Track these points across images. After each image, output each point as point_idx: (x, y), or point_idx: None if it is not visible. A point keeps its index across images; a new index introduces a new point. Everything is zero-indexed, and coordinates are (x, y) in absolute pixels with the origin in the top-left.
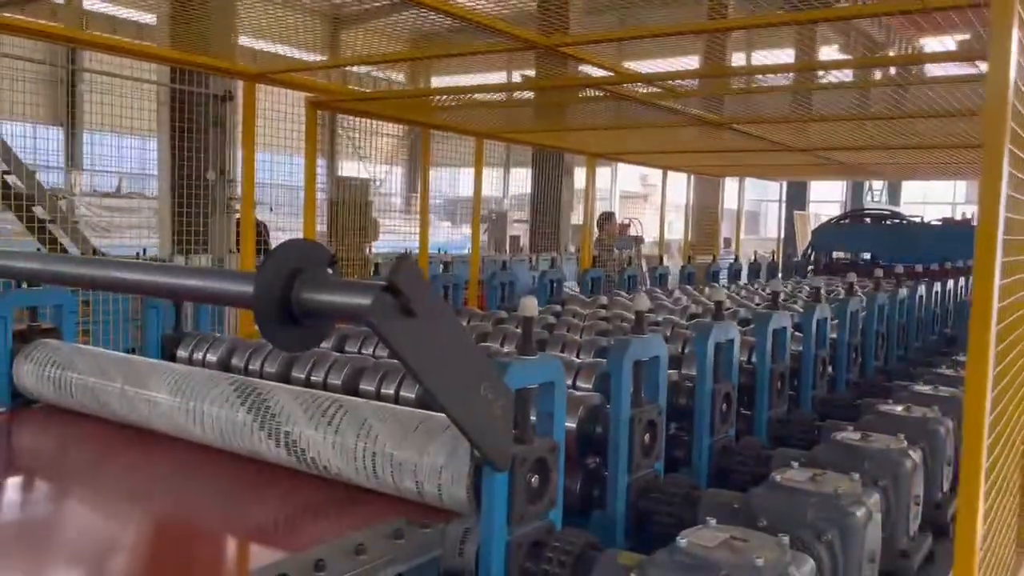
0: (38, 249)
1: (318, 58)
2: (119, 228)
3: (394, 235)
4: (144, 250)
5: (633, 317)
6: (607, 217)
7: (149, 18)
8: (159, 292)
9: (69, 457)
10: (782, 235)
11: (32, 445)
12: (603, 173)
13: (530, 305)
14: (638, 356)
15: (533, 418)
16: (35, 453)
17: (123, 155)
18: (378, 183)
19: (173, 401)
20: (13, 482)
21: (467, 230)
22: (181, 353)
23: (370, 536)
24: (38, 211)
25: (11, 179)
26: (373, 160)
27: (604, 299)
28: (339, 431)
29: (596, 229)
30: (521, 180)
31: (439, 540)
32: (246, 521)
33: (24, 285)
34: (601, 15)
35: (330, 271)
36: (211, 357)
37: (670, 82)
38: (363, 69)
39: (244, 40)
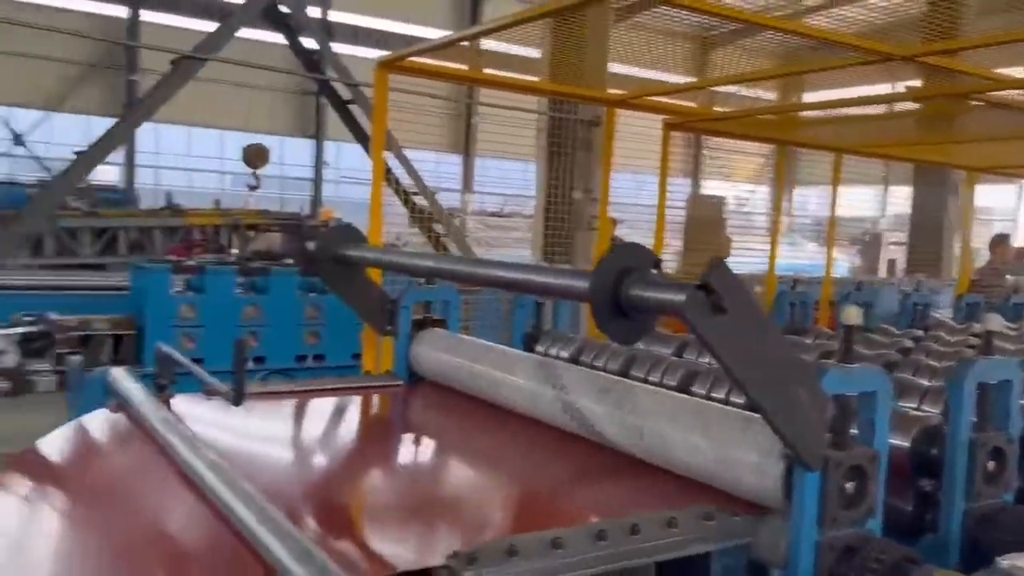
0: None
1: (683, 79)
2: (500, 242)
3: (750, 252)
4: None
5: (1012, 348)
6: (1000, 239)
7: (532, 52)
8: (516, 287)
9: (447, 424)
10: None
11: (422, 414)
12: (1005, 191)
13: (851, 314)
14: (983, 378)
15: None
16: (424, 419)
17: (506, 178)
18: (741, 202)
19: (526, 386)
20: (407, 437)
21: (835, 251)
22: (539, 348)
23: (683, 514)
24: (438, 227)
25: (418, 200)
26: (736, 179)
27: (977, 327)
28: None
29: (988, 252)
30: (901, 199)
31: (747, 530)
32: (589, 493)
33: (420, 284)
34: (987, 18)
35: (654, 272)
36: (563, 353)
37: None
38: (726, 88)
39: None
